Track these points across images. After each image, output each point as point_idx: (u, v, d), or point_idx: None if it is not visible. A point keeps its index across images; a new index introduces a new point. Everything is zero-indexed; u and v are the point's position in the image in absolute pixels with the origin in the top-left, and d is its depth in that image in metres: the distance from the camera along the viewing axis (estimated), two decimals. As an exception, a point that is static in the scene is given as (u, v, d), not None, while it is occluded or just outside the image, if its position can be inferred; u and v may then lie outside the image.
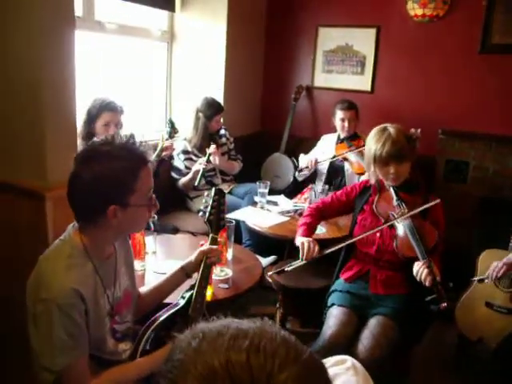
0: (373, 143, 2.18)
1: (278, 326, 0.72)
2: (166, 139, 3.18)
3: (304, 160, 3.57)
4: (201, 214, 1.76)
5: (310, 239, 2.22)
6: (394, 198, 2.19)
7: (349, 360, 1.06)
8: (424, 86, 3.84)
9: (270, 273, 2.36)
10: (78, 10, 2.98)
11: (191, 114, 3.56)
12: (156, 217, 2.41)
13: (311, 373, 0.68)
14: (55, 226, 1.99)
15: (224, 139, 3.74)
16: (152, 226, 2.27)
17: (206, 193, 1.84)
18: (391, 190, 2.22)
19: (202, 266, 1.65)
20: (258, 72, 4.48)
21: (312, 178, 3.69)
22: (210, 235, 1.72)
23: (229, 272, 2.16)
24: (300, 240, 2.23)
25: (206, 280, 1.64)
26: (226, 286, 2.07)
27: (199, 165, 3.31)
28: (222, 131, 3.74)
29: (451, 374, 2.76)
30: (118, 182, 1.36)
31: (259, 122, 4.57)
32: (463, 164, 3.60)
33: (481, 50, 3.61)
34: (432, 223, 2.17)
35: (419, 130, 2.37)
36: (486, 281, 2.48)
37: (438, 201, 2.13)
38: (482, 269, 2.80)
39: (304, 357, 0.68)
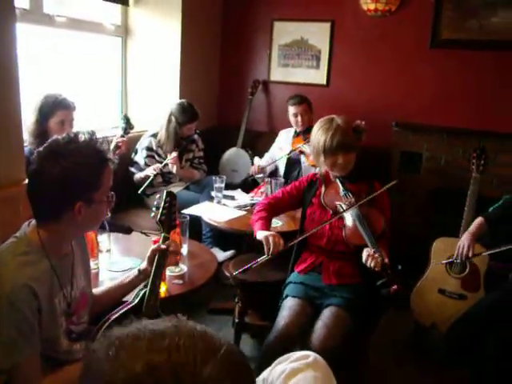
0: (321, 134, 2.19)
1: (192, 322, 0.72)
2: (121, 136, 3.13)
3: (255, 165, 3.60)
4: (152, 214, 1.76)
5: (274, 233, 2.17)
6: (341, 188, 2.22)
7: (311, 356, 1.07)
8: (378, 80, 3.90)
9: (235, 273, 2.32)
10: (25, 2, 2.90)
11: (165, 115, 3.51)
12: (109, 214, 2.38)
13: (233, 364, 0.69)
14: (3, 225, 1.93)
15: (193, 146, 3.70)
16: (106, 225, 2.23)
17: (157, 195, 1.84)
18: (337, 181, 2.25)
19: (155, 264, 1.64)
20: (214, 67, 4.46)
21: (273, 173, 3.72)
22: (162, 234, 1.72)
23: (183, 268, 2.14)
24: (263, 234, 2.16)
25: (159, 278, 1.62)
26: (181, 281, 2.05)
27: (153, 170, 3.27)
28: (195, 136, 3.70)
29: (408, 360, 2.82)
30: (86, 179, 1.38)
31: (216, 117, 4.55)
32: (417, 155, 3.68)
33: (431, 45, 3.69)
34: (378, 210, 2.20)
35: (363, 122, 2.40)
36: (457, 261, 2.54)
37: (386, 187, 2.15)
38: (435, 256, 2.89)
39: (224, 349, 0.68)
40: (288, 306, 2.16)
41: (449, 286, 2.80)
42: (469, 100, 3.64)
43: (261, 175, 3.60)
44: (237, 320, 2.71)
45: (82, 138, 1.40)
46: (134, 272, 1.73)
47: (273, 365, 1.06)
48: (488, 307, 2.35)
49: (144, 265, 1.71)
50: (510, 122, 3.49)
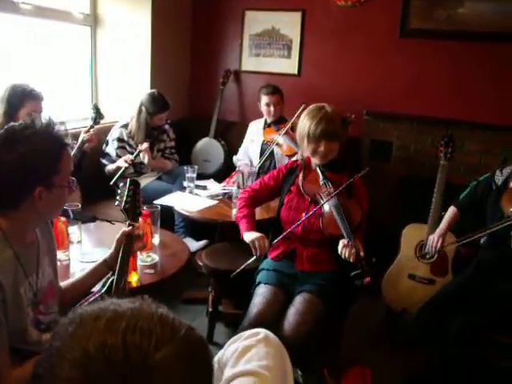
0: (308, 119, 2.20)
1: (156, 305, 0.73)
2: (91, 126, 3.08)
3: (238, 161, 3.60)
4: (117, 203, 1.75)
5: (259, 235, 2.23)
6: (321, 177, 2.23)
7: (262, 332, 1.08)
8: (349, 69, 3.92)
9: (231, 275, 2.34)
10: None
11: (135, 105, 3.47)
12: (80, 205, 2.36)
13: (189, 349, 0.69)
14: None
15: (165, 136, 3.68)
16: (71, 214, 2.20)
17: (121, 184, 1.82)
18: (317, 169, 2.26)
19: (121, 252, 1.63)
20: (185, 57, 4.42)
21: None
22: (127, 222, 1.71)
23: (155, 257, 2.14)
24: (249, 237, 2.23)
25: (126, 265, 1.61)
26: (153, 271, 2.05)
27: (124, 161, 3.24)
28: (167, 127, 3.67)
29: (379, 345, 2.88)
30: (44, 163, 1.37)
31: (188, 107, 4.53)
32: (387, 144, 3.73)
33: (400, 35, 3.72)
34: (356, 201, 2.22)
35: (353, 116, 2.41)
36: (428, 255, 2.59)
37: (360, 173, 2.16)
38: (404, 242, 2.94)
39: (181, 334, 0.69)
40: (260, 293, 2.17)
41: (418, 271, 2.86)
42: (437, 89, 3.69)
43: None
44: (210, 309, 2.72)
45: (38, 123, 1.38)
46: (101, 261, 1.71)
47: (226, 345, 1.07)
48: (453, 291, 2.41)
49: (111, 254, 1.69)
50: (477, 111, 3.56)
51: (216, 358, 1.06)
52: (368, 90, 3.86)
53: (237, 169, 3.35)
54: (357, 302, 2.43)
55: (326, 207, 2.17)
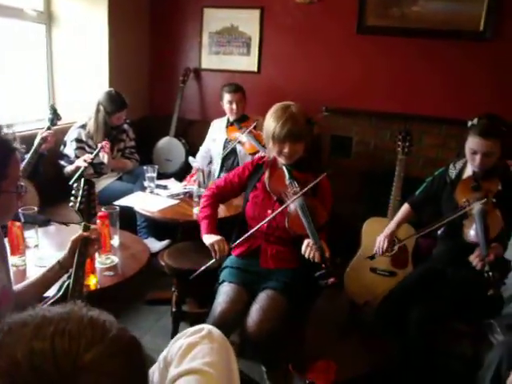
0: (273, 119, 2.18)
1: (87, 308, 0.73)
2: (48, 128, 3.02)
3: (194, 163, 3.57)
4: (71, 204, 1.72)
5: (218, 238, 2.23)
6: (287, 176, 2.22)
7: (205, 328, 1.08)
8: (308, 66, 3.95)
9: (191, 277, 2.33)
10: None
11: (93, 105, 3.41)
12: (36, 209, 2.30)
13: (120, 349, 0.70)
14: None
15: (124, 136, 3.63)
16: (22, 218, 2.15)
17: (75, 184, 1.78)
18: (284, 168, 2.26)
19: (77, 253, 1.59)
20: (144, 55, 4.36)
21: (209, 162, 3.70)
22: (82, 223, 1.68)
23: (114, 259, 2.11)
24: (209, 241, 2.24)
25: (82, 267, 1.58)
26: (112, 273, 2.02)
27: (83, 161, 3.18)
28: (126, 126, 3.62)
29: (343, 338, 2.92)
30: None
31: (148, 106, 4.47)
32: (347, 139, 3.78)
33: (357, 31, 3.77)
34: (322, 201, 2.22)
35: (320, 115, 2.41)
36: (376, 256, 2.62)
37: (324, 174, 2.18)
38: (365, 236, 2.99)
39: (111, 334, 0.69)
40: (224, 292, 2.17)
41: (379, 264, 2.91)
42: (395, 85, 3.76)
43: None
44: (174, 309, 2.70)
45: None
46: (54, 263, 1.66)
47: (170, 343, 1.07)
48: (412, 283, 2.46)
49: (64, 255, 1.66)
50: (433, 106, 3.65)
51: (161, 357, 1.06)
52: (327, 86, 3.89)
53: (194, 167, 3.33)
54: (320, 296, 2.46)
55: (292, 206, 2.16)
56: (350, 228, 3.14)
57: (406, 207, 2.65)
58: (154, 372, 1.10)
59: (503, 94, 3.50)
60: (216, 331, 1.09)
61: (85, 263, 1.60)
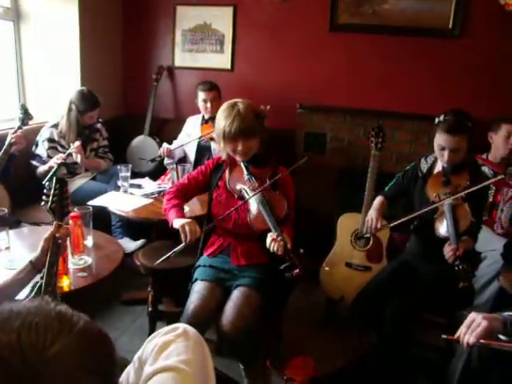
0: (222, 119, 2.18)
1: (56, 302, 0.74)
2: (19, 127, 2.97)
3: (163, 147, 3.55)
4: (43, 203, 1.70)
5: (189, 220, 2.15)
6: (245, 172, 2.23)
7: (180, 327, 1.08)
8: (282, 63, 3.96)
9: (156, 262, 2.23)
10: None
11: (65, 104, 3.37)
12: (6, 210, 2.26)
13: (88, 341, 0.71)
14: None
15: (97, 135, 3.59)
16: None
17: (47, 183, 1.76)
18: (241, 164, 2.26)
19: (49, 253, 1.58)
20: (117, 53, 4.32)
21: (182, 159, 3.68)
22: (54, 222, 1.66)
23: (88, 260, 2.09)
24: (179, 223, 2.13)
25: (55, 267, 1.56)
26: (85, 274, 1.99)
27: (56, 160, 3.14)
28: (98, 125, 3.59)
29: (320, 333, 2.94)
30: None
31: (122, 105, 4.43)
32: (321, 136, 3.80)
33: (330, 29, 3.80)
34: (281, 194, 2.23)
35: (268, 107, 2.41)
36: (367, 235, 2.65)
37: (286, 172, 2.20)
38: (340, 231, 3.01)
39: (78, 327, 0.70)
40: (197, 290, 2.16)
41: (355, 259, 2.94)
42: (368, 81, 3.80)
43: (170, 161, 3.55)
44: (150, 309, 2.69)
45: None
46: (27, 263, 1.63)
47: (145, 342, 1.07)
48: (386, 277, 2.49)
49: (36, 255, 1.63)
50: (405, 102, 3.70)
51: (136, 357, 1.05)
52: (301, 83, 3.91)
53: (166, 163, 3.31)
54: (295, 291, 2.48)
55: (253, 203, 2.17)
56: (325, 224, 3.17)
57: (379, 199, 2.68)
58: (130, 372, 1.09)
59: (472, 90, 3.57)
60: (191, 329, 1.09)
61: (57, 263, 1.59)
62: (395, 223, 2.42)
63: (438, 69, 3.65)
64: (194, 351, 1.02)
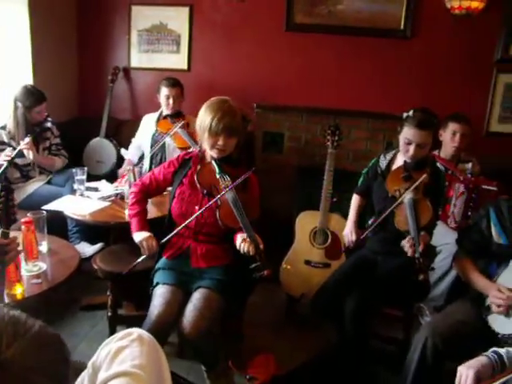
0: (210, 112, 2.16)
1: (7, 308, 0.75)
2: None
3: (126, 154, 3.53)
4: None
5: (147, 235, 2.24)
6: (217, 170, 2.21)
7: (135, 332, 1.07)
8: (238, 63, 3.97)
9: (124, 272, 2.33)
10: None
11: (10, 103, 3.28)
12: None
13: (42, 344, 0.73)
14: None
15: (49, 133, 3.51)
16: None
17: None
18: (213, 162, 2.25)
19: None
20: (71, 54, 4.22)
21: (141, 157, 3.65)
22: (0, 230, 1.61)
23: (42, 266, 2.04)
24: (138, 238, 2.25)
25: (1, 276, 1.52)
26: (40, 280, 1.95)
27: (5, 156, 3.05)
28: (49, 124, 3.50)
29: (282, 331, 2.96)
30: None
31: (77, 107, 4.34)
32: (279, 135, 3.83)
33: (286, 29, 3.83)
34: (252, 195, 2.24)
35: (254, 115, 2.41)
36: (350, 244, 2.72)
37: (253, 169, 2.21)
38: (299, 230, 3.04)
39: (33, 331, 0.73)
40: (159, 294, 2.14)
41: (314, 256, 2.98)
42: (324, 80, 3.85)
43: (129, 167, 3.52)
44: (109, 313, 2.65)
45: None
46: None
47: (100, 348, 1.06)
48: (345, 273, 2.53)
49: None
50: (361, 101, 3.77)
51: (90, 363, 1.04)
52: (258, 83, 3.93)
53: (122, 168, 3.28)
54: (256, 291, 2.48)
55: (224, 200, 2.17)
56: (284, 222, 3.20)
57: (355, 197, 2.77)
58: (84, 379, 1.08)
59: (425, 89, 3.68)
60: (146, 334, 1.08)
61: (4, 272, 1.55)
62: (368, 231, 2.47)
63: (392, 68, 3.74)
64: (149, 356, 1.02)
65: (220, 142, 2.17)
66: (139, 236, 2.25)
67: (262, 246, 2.03)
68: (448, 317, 2.09)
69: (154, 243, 2.23)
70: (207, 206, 2.16)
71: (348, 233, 2.72)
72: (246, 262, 2.02)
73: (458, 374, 1.54)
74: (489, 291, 2.01)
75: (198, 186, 2.23)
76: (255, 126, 3.83)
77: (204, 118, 2.18)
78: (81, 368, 1.15)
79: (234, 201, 2.12)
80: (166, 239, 2.24)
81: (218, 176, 2.21)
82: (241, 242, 2.03)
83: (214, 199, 2.16)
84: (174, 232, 2.22)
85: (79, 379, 1.09)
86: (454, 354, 1.96)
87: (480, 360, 1.53)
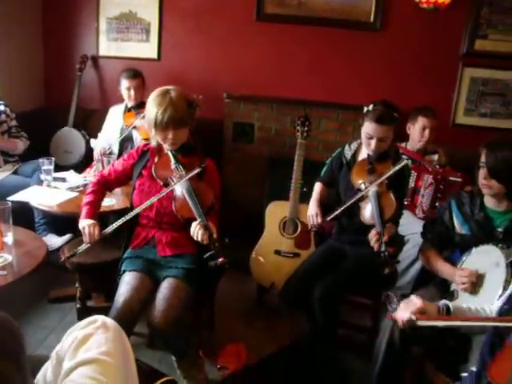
0: (153, 106, 2.15)
1: None
2: None
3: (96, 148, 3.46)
4: None
5: (91, 222, 2.19)
6: (172, 161, 2.21)
7: (99, 319, 1.07)
8: (209, 52, 3.94)
9: (62, 258, 2.32)
10: None
11: None
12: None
13: None
14: None
15: (3, 116, 3.43)
16: None
17: None
18: (169, 153, 2.24)
19: None
20: (37, 42, 4.12)
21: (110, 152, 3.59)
22: None
23: (8, 258, 2.00)
24: (81, 224, 2.21)
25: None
26: (5, 272, 1.91)
27: None
28: (1, 107, 3.43)
29: (252, 320, 2.98)
30: None
31: (43, 96, 4.24)
32: (249, 126, 3.83)
33: (257, 18, 3.82)
34: (208, 184, 2.24)
35: (201, 97, 2.42)
36: (314, 229, 2.71)
37: (203, 166, 2.18)
38: (268, 219, 3.06)
39: None
40: (126, 281, 2.13)
41: (283, 246, 3.00)
42: (295, 71, 3.86)
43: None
44: (78, 305, 2.63)
45: None
46: None
47: (64, 337, 1.05)
48: (313, 262, 2.57)
49: None
50: (331, 92, 3.80)
51: (54, 353, 1.03)
52: (229, 73, 3.92)
53: (94, 158, 3.24)
54: (226, 280, 2.50)
55: (179, 190, 2.16)
56: (254, 212, 3.21)
57: (318, 186, 2.77)
58: (47, 369, 1.07)
59: (393, 81, 3.73)
60: (110, 321, 1.08)
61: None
62: (331, 216, 2.49)
63: (361, 60, 3.78)
64: (115, 342, 1.02)
65: (170, 136, 2.18)
66: (83, 222, 2.21)
67: (215, 235, 2.03)
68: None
69: (97, 231, 2.18)
70: (158, 196, 2.15)
71: (313, 214, 2.67)
72: (204, 251, 2.02)
73: (406, 300, 1.65)
74: (454, 276, 2.07)
75: (156, 177, 2.23)
76: (225, 115, 3.82)
77: (150, 113, 2.18)
78: (45, 360, 1.14)
79: (189, 191, 2.12)
80: (108, 229, 2.20)
81: (173, 167, 2.20)
82: (194, 230, 2.03)
83: (166, 190, 2.16)
84: (120, 222, 2.17)
85: (42, 370, 1.09)
86: (421, 338, 2.03)
87: (431, 304, 1.63)
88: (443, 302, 1.76)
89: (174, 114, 2.12)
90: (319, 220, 2.64)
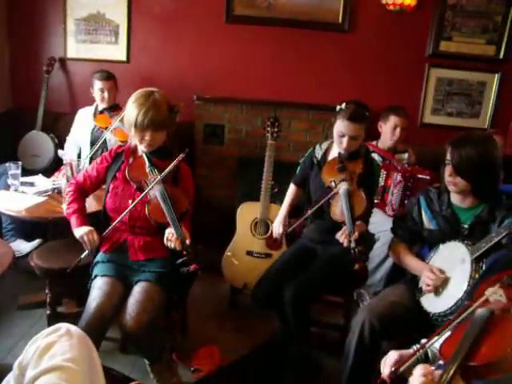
0: (135, 106, 2.14)
1: None
2: None
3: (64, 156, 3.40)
4: None
5: (87, 230, 2.20)
6: (147, 164, 2.21)
7: (63, 327, 1.07)
8: (179, 54, 3.92)
9: (68, 270, 2.30)
10: None
11: None
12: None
13: None
14: None
15: None
16: None
17: None
18: (144, 156, 2.24)
19: None
20: (3, 43, 4.04)
21: (79, 155, 3.55)
22: None
23: (-28, 265, 1.96)
24: (78, 233, 2.20)
25: None
26: (-31, 280, 1.88)
27: None
28: None
29: (225, 322, 2.99)
30: None
31: (10, 99, 4.15)
32: (219, 127, 3.83)
33: (226, 20, 3.82)
34: (182, 189, 2.24)
35: (182, 104, 2.42)
36: (278, 240, 2.80)
37: (180, 156, 2.18)
38: (240, 221, 3.07)
39: None
40: (97, 286, 2.11)
41: (255, 247, 3.02)
42: (265, 72, 3.88)
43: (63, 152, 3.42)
44: (48, 312, 2.59)
45: None
46: None
47: (26, 347, 1.04)
48: (284, 262, 2.59)
49: None
50: (301, 92, 3.83)
51: (16, 364, 1.02)
52: (199, 74, 3.91)
53: (64, 162, 3.18)
54: (199, 282, 2.49)
55: (153, 194, 2.16)
56: (226, 214, 3.21)
57: (291, 188, 2.80)
58: (10, 381, 1.05)
59: (361, 82, 3.79)
60: (75, 328, 1.08)
61: None
62: (295, 225, 2.53)
63: (330, 61, 3.82)
64: (79, 349, 1.02)
65: (147, 138, 2.17)
66: (80, 231, 2.20)
67: (188, 241, 2.04)
68: (384, 299, 2.18)
69: (96, 237, 2.20)
70: (136, 201, 2.16)
71: (276, 225, 2.74)
72: (176, 256, 2.03)
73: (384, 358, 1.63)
74: (422, 272, 2.11)
75: (129, 180, 2.22)
76: (195, 117, 3.81)
77: (130, 114, 2.17)
78: (8, 370, 1.12)
79: (163, 195, 2.12)
80: (106, 232, 2.21)
81: (147, 170, 2.20)
82: (167, 236, 2.04)
83: (142, 194, 2.15)
84: (113, 225, 2.20)
85: (3, 383, 1.07)
86: (391, 334, 2.07)
87: (407, 351, 1.62)
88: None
89: (155, 117, 2.12)
90: (280, 231, 2.70)
